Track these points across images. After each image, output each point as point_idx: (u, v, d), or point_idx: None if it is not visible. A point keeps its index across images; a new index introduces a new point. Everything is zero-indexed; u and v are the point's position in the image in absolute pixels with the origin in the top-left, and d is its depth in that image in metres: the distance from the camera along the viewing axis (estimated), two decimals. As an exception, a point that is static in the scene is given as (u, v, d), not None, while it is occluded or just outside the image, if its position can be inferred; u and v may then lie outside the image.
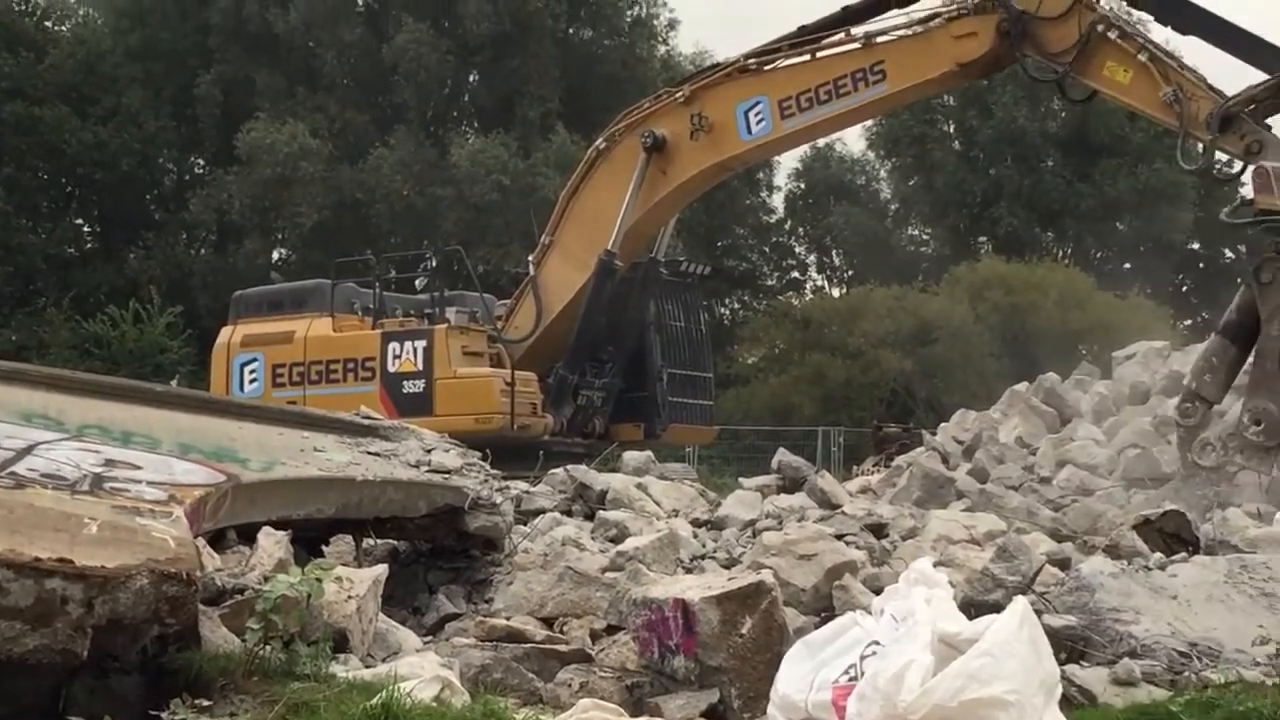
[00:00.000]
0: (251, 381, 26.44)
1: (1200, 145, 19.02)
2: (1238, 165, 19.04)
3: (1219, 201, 67.83)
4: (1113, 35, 19.73)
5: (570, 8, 56.64)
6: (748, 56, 23.59)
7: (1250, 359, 17.95)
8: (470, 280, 28.43)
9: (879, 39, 22.26)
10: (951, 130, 67.44)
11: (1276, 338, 16.71)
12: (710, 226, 60.12)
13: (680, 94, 24.28)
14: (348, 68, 56.65)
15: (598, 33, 58.94)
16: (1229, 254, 68.39)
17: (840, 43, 22.69)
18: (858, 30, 22.52)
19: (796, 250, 72.00)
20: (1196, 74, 19.33)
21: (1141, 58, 19.29)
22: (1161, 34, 21.82)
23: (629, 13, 59.77)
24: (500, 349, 25.53)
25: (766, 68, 23.36)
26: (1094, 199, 61.79)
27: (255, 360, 26.58)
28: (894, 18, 22.37)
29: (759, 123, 23.29)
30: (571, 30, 58.19)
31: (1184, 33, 19.95)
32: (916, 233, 71.85)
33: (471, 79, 59.03)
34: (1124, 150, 62.49)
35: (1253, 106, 18.19)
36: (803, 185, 69.71)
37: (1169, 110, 18.96)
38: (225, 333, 27.43)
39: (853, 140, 69.75)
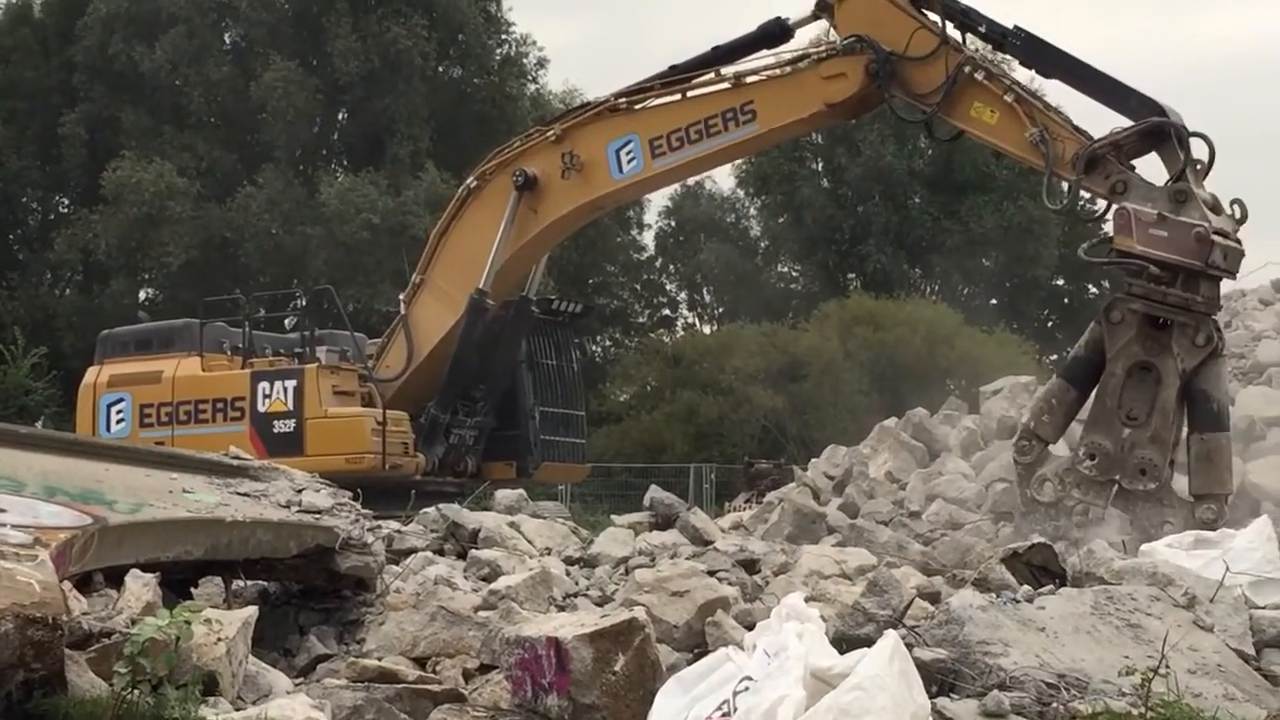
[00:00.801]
0: (119, 422, 26.07)
1: (1065, 185, 19.26)
2: (1101, 204, 19.30)
3: (1083, 238, 68.90)
4: (979, 76, 19.92)
5: (439, 46, 56.60)
6: (618, 95, 23.61)
7: (1090, 401, 18.24)
8: (341, 319, 28.26)
9: (749, 79, 22.34)
10: (820, 168, 67.98)
11: (1119, 376, 16.97)
12: (581, 264, 60.21)
13: (551, 133, 24.26)
14: (215, 106, 56.31)
15: (467, 71, 58.95)
16: (1093, 289, 69.39)
17: (710, 82, 22.75)
18: (728, 70, 22.60)
19: (667, 287, 72.31)
20: (1061, 115, 19.59)
21: (1008, 99, 19.48)
22: (1025, 75, 22.12)
23: (498, 51, 59.89)
24: (371, 388, 25.37)
25: (637, 107, 23.40)
26: (960, 235, 62.56)
27: (122, 400, 26.22)
28: (763, 58, 22.47)
29: (630, 161, 23.31)
30: (441, 68, 58.15)
31: (1048, 76, 20.21)
32: (786, 270, 72.30)
33: (341, 117, 58.91)
34: (989, 187, 63.35)
35: (1117, 149, 18.45)
36: (673, 223, 70.02)
37: (1035, 150, 19.14)
38: (91, 373, 26.96)
39: (722, 178, 70.16)
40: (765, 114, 22.13)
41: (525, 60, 60.99)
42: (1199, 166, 17.50)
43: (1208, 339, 16.81)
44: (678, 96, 22.96)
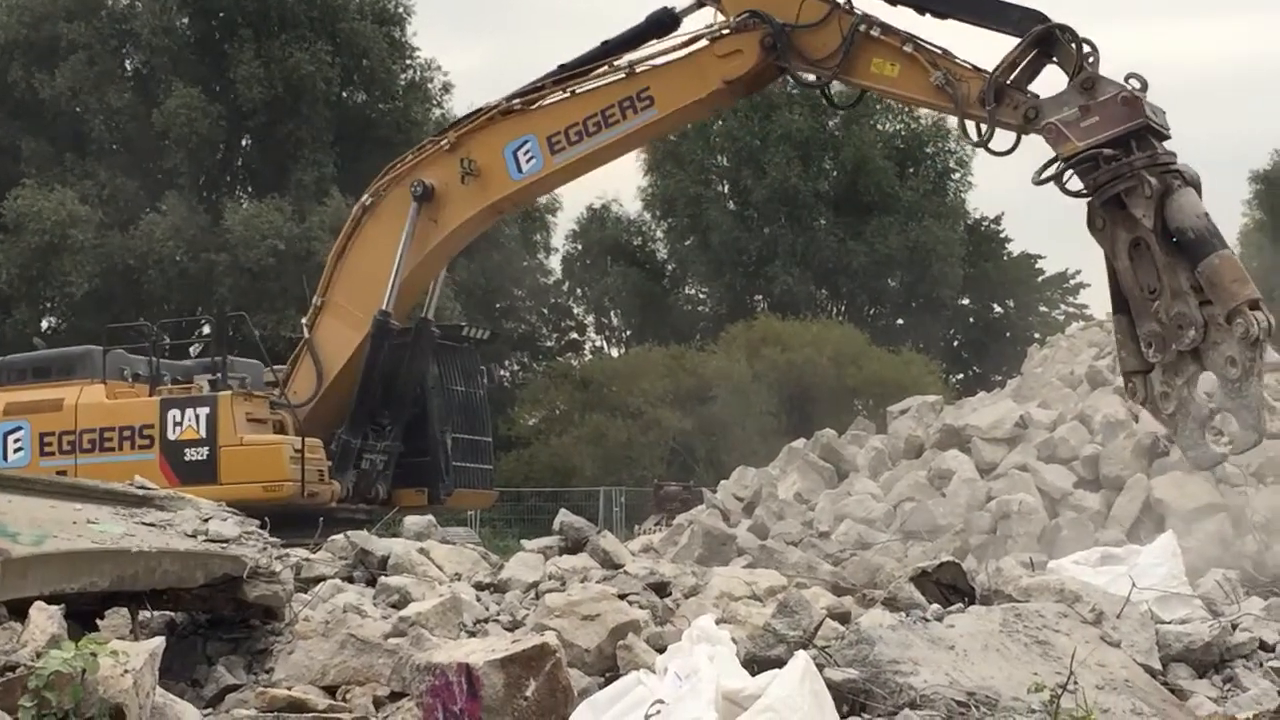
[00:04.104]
0: (16, 450, 25.68)
1: (978, 124, 19.10)
2: (1012, 139, 19.16)
3: (986, 258, 69.67)
4: (875, 32, 19.84)
5: (343, 72, 56.38)
6: (510, 98, 23.61)
7: None
8: (249, 346, 27.98)
9: (642, 67, 22.35)
10: (726, 190, 68.25)
11: (1125, 264, 16.89)
12: (488, 289, 60.09)
13: (445, 141, 24.13)
14: (117, 133, 55.80)
15: (371, 96, 58.74)
16: (998, 309, 70.01)
17: (604, 74, 22.74)
18: (621, 60, 22.58)
19: (575, 311, 72.32)
20: (957, 57, 19.45)
21: (906, 49, 19.37)
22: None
23: (403, 77, 59.72)
24: (283, 415, 25.21)
25: (532, 107, 23.37)
26: (866, 256, 62.99)
27: (20, 429, 25.82)
28: (653, 46, 22.46)
29: (529, 161, 23.23)
30: (345, 94, 57.93)
31: (942, 16, 20.05)
32: (693, 292, 72.47)
33: (244, 143, 58.57)
34: (894, 208, 63.87)
35: (1015, 73, 18.37)
36: (580, 246, 70.09)
37: (942, 94, 19.02)
38: None
39: (628, 201, 70.33)
40: (663, 98, 22.10)
41: (430, 85, 60.88)
42: (1092, 58, 17.50)
43: (1154, 186, 16.65)
44: (571, 93, 22.95)
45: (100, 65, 54.77)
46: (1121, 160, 16.81)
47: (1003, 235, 74.59)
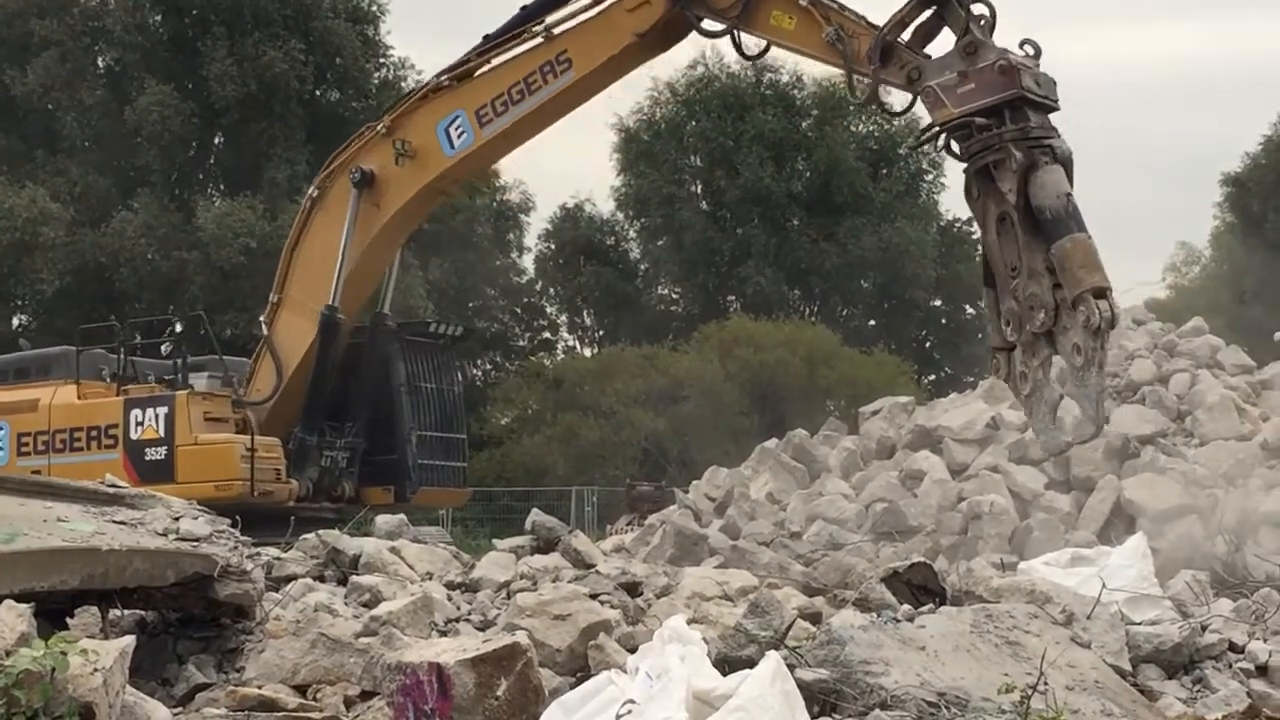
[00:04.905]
0: None
1: (865, 81, 18.89)
2: (906, 101, 18.96)
3: (959, 260, 69.79)
4: None
5: (317, 70, 56.24)
6: (440, 74, 23.60)
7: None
8: (212, 346, 27.91)
9: (558, 29, 22.28)
10: (699, 190, 68.26)
11: (992, 238, 16.61)
12: (461, 288, 60.06)
13: (381, 126, 24.14)
14: (89, 130, 55.62)
15: (345, 95, 58.58)
16: (970, 310, 70.06)
17: (524, 41, 22.65)
18: (540, 27, 22.50)
19: (548, 311, 72.22)
20: (856, 13, 19.20)
21: (803, 2, 19.23)
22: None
23: (376, 75, 59.58)
24: (247, 414, 25.16)
25: (459, 82, 23.32)
26: (839, 257, 63.05)
27: (1, 429, 26.03)
28: (570, 7, 22.35)
29: (460, 136, 23.17)
30: (318, 92, 57.83)
31: None
32: (666, 292, 72.42)
33: (217, 141, 58.37)
34: (867, 209, 63.98)
35: (909, 33, 18.11)
36: (552, 246, 69.99)
37: (833, 50, 18.76)
38: None
39: (601, 201, 70.22)
40: (580, 59, 22.02)
41: (404, 84, 60.57)
42: (984, 21, 17.21)
43: (1019, 160, 16.07)
44: (498, 63, 22.87)
45: (72, 62, 54.58)
46: (992, 131, 16.47)
47: (975, 237, 74.57)
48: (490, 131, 22.96)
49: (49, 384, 26.19)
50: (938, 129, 17.27)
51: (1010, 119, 16.47)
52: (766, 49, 21.21)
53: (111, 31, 55.25)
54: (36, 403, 25.87)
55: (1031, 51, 16.76)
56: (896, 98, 18.81)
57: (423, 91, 23.98)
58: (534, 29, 22.41)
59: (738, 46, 21.52)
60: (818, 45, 19.11)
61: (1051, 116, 16.95)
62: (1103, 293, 15.70)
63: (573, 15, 22.20)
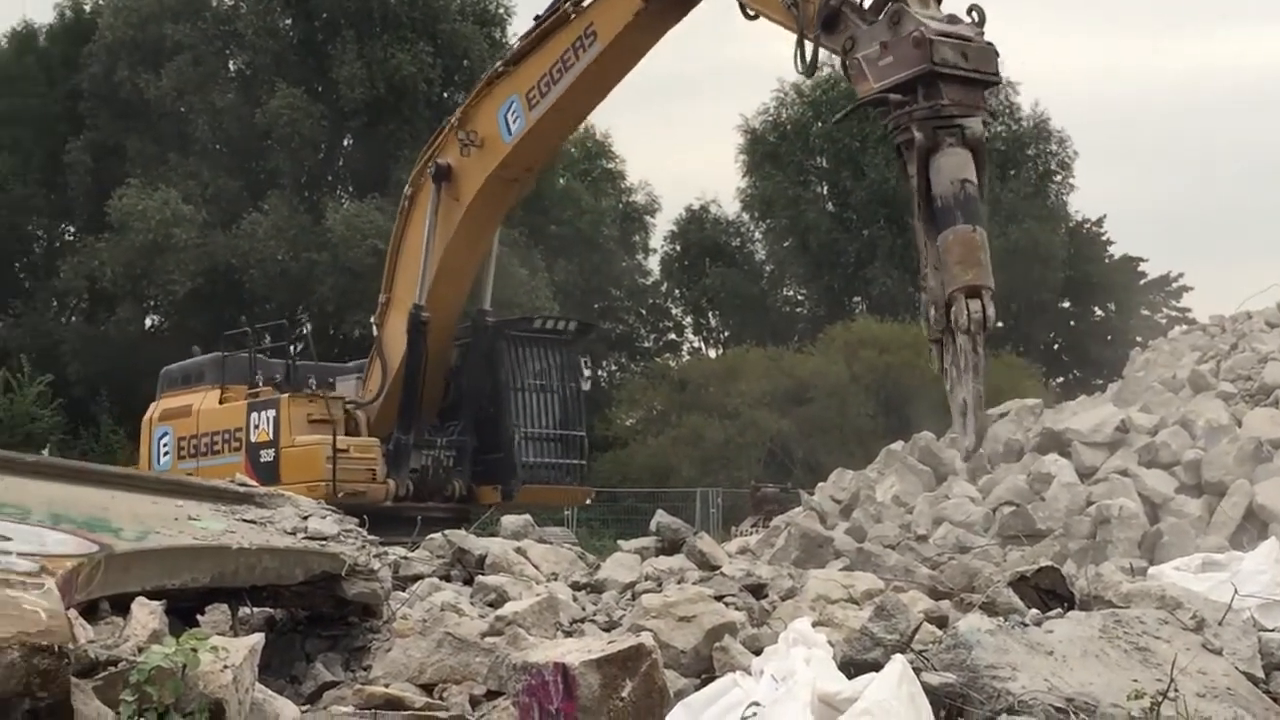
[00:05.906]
0: (165, 454, 26.84)
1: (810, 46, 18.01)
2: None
3: (1088, 261, 69.17)
4: None
5: (444, 72, 56.64)
6: (499, 62, 23.79)
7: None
8: (346, 349, 28.15)
9: (585, 2, 22.22)
10: (825, 192, 68.12)
11: (915, 228, 15.61)
12: (586, 289, 60.29)
13: (454, 119, 24.29)
14: (220, 133, 56.34)
15: (471, 96, 59.02)
16: (1099, 312, 69.44)
17: (562, 20, 22.57)
18: (569, 4, 22.45)
19: (673, 312, 72.35)
20: None
21: None
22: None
23: (503, 77, 59.93)
24: (357, 414, 25.38)
25: (514, 67, 23.36)
26: (966, 259, 62.52)
27: (167, 434, 26.95)
28: None
29: (515, 121, 23.17)
30: (446, 94, 58.21)
31: None
32: (791, 293, 72.32)
33: (346, 143, 58.94)
34: (995, 210, 63.40)
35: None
36: (678, 247, 70.12)
37: (790, 15, 17.64)
38: (151, 407, 27.85)
39: (727, 203, 70.24)
40: (603, 30, 21.85)
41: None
42: None
43: (919, 141, 15.11)
44: (544, 45, 22.89)
45: (204, 66, 55.36)
46: (904, 109, 15.43)
47: (1104, 238, 74.01)
48: (537, 113, 22.93)
49: (201, 390, 27.01)
50: (860, 104, 16.55)
51: (924, 95, 15.40)
52: (756, 17, 20.13)
53: (243, 35, 55.97)
54: (189, 408, 26.73)
55: (977, 18, 15.73)
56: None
57: (486, 80, 24.10)
58: (566, 7, 22.41)
59: (742, 8, 20.77)
60: (777, 9, 18.05)
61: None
62: (976, 291, 15.26)
63: None
